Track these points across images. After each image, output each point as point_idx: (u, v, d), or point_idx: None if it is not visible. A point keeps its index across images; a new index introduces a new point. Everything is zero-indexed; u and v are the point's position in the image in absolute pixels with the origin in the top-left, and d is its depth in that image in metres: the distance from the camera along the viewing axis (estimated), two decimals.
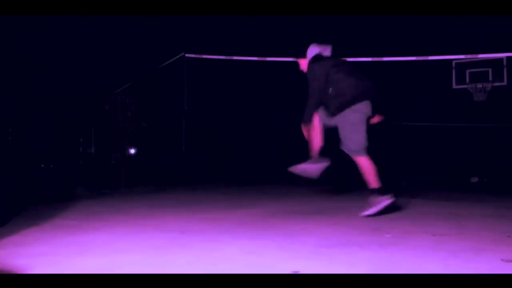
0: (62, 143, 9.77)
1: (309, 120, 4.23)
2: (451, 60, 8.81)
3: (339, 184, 6.75)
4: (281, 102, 10.06)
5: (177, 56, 7.48)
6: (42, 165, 10.05)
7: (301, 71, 4.39)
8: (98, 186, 6.50)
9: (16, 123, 9.02)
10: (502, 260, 2.41)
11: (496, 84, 8.67)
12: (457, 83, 9.04)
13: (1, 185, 5.58)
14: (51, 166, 10.06)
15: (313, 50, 4.30)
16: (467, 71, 8.96)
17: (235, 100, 10.75)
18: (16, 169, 7.67)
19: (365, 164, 4.04)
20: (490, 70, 8.80)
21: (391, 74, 8.98)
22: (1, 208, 4.43)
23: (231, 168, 9.69)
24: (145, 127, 6.95)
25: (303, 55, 4.33)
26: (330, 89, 4.08)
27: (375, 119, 4.25)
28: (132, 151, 7.68)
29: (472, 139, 9.14)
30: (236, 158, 10.33)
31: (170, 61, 7.57)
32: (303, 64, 4.35)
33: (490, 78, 8.78)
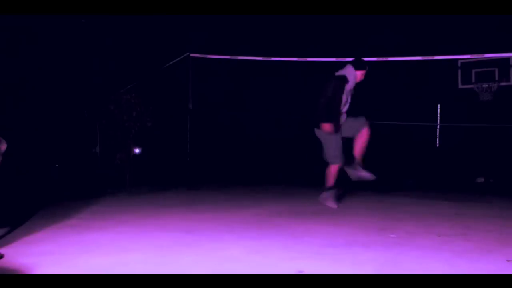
0: (67, 142, 9.81)
1: None
2: (456, 59, 8.75)
3: (344, 186, 6.73)
4: (287, 101, 10.06)
5: (182, 56, 7.45)
6: (47, 165, 10.10)
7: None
8: (103, 185, 6.53)
9: (22, 123, 9.08)
10: (508, 260, 2.40)
11: (503, 83, 8.59)
12: (462, 83, 8.96)
13: (7, 185, 5.61)
14: (56, 165, 10.11)
15: None
16: (473, 71, 8.89)
17: (240, 99, 10.74)
18: (22, 170, 7.71)
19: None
20: (496, 69, 8.74)
21: (396, 74, 8.95)
22: (7, 208, 4.46)
23: (236, 168, 9.69)
24: (150, 127, 6.95)
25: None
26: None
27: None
28: (137, 151, 7.70)
29: (478, 139, 9.08)
30: (241, 158, 10.33)
31: (175, 60, 7.55)
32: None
33: (496, 78, 8.71)
